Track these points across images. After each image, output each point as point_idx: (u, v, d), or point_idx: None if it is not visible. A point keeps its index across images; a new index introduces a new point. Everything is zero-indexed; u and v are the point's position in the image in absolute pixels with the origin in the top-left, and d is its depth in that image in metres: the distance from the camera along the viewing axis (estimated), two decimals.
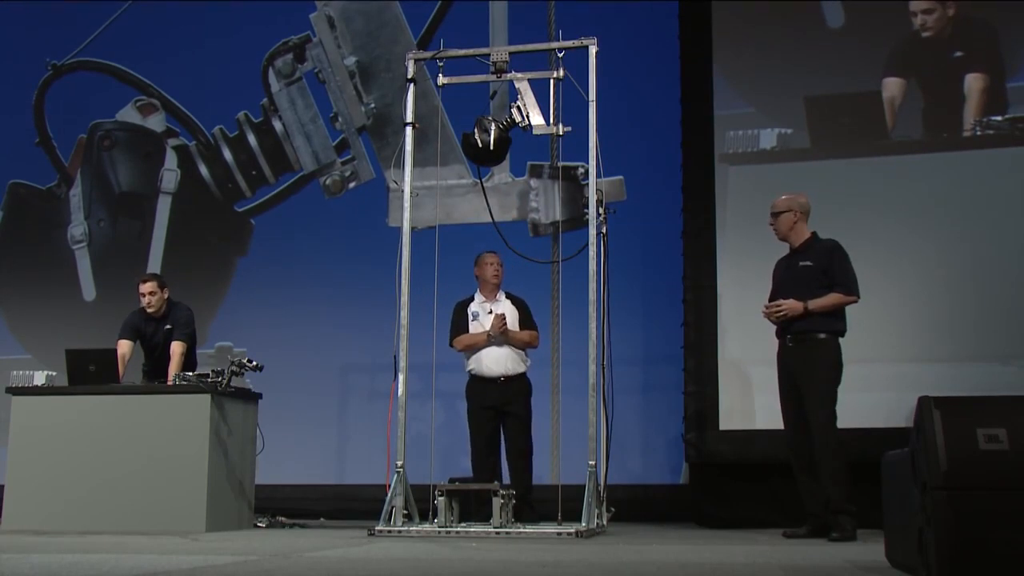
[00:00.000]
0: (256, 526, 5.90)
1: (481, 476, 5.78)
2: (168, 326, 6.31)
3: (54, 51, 8.82)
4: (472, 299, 6.11)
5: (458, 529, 4.97)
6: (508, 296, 6.12)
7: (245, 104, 8.43)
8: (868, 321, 6.20)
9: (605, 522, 5.26)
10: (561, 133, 5.47)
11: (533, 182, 7.65)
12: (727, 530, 5.65)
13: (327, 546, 4.39)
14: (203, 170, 8.49)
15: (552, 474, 7.05)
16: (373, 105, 8.17)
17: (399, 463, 5.27)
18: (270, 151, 8.38)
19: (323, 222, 8.13)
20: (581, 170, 7.32)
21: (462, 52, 5.69)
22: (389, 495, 5.18)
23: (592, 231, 5.41)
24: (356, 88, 8.20)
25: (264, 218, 8.34)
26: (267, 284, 8.06)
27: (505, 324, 5.88)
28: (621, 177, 7.32)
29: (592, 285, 5.29)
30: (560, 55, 5.51)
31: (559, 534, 4.80)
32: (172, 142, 8.58)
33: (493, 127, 5.43)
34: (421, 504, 5.26)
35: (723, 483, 6.35)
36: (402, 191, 5.65)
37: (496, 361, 5.93)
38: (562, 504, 5.17)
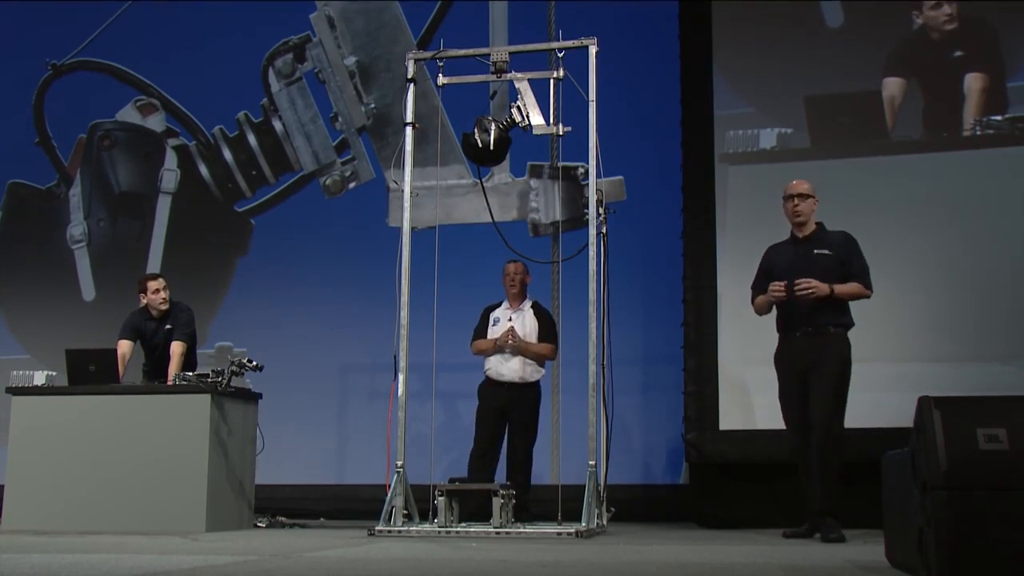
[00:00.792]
0: (256, 526, 5.90)
1: (475, 476, 5.81)
2: (168, 326, 6.31)
3: (54, 51, 8.82)
4: (499, 304, 6.20)
5: (458, 529, 4.97)
6: (534, 306, 6.17)
7: (245, 104, 8.43)
8: (868, 321, 6.19)
9: (605, 522, 5.26)
10: (561, 133, 5.47)
11: (533, 182, 7.65)
12: (727, 530, 5.66)
13: (327, 546, 4.39)
14: (203, 170, 8.49)
15: (552, 474, 7.06)
16: (373, 105, 8.17)
17: (399, 463, 5.27)
18: (270, 151, 8.38)
19: (323, 222, 8.12)
20: (581, 170, 7.33)
21: (462, 52, 5.69)
22: (389, 495, 5.18)
23: (592, 231, 5.41)
24: (356, 88, 8.20)
25: (264, 218, 8.34)
26: (267, 284, 8.06)
27: (512, 338, 5.95)
28: (621, 177, 7.32)
29: (592, 285, 5.29)
30: (560, 55, 5.51)
31: (559, 534, 4.79)
32: (172, 142, 8.58)
33: (493, 127, 5.43)
34: (421, 504, 5.27)
35: (723, 483, 6.35)
36: (402, 191, 5.65)
37: (508, 367, 6.01)
38: (562, 504, 5.17)
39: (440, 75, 5.66)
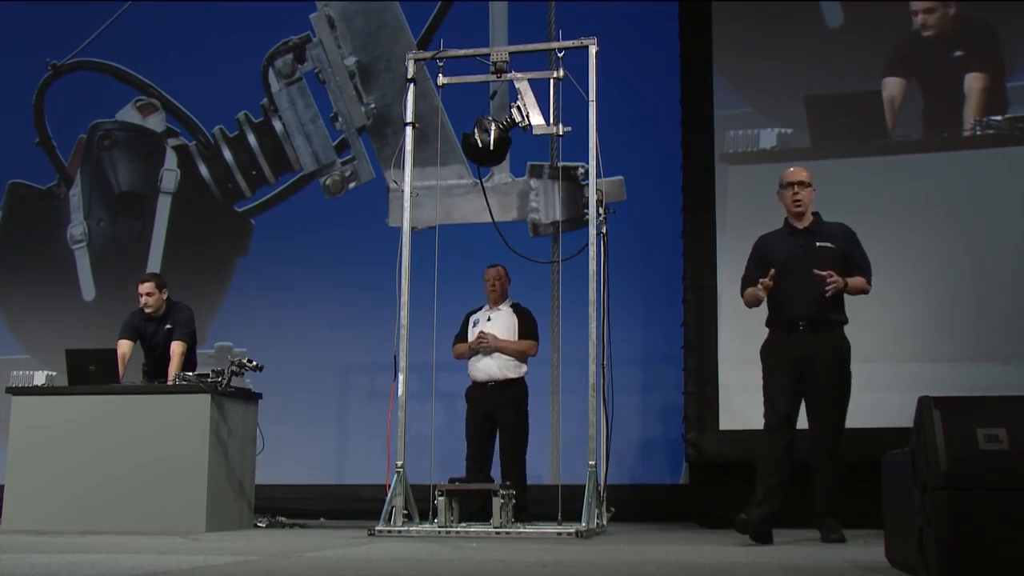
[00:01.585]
0: (256, 526, 5.90)
1: (472, 479, 5.82)
2: (168, 326, 6.31)
3: (54, 51, 8.82)
4: (480, 308, 6.27)
5: (458, 529, 4.97)
6: (513, 305, 6.22)
7: (245, 104, 8.43)
8: (868, 321, 6.19)
9: (605, 522, 5.26)
10: (561, 133, 5.47)
11: (533, 182, 7.65)
12: (727, 530, 5.65)
13: (327, 546, 4.39)
14: (203, 170, 8.49)
15: (552, 474, 7.05)
16: (373, 105, 8.17)
17: (399, 463, 5.27)
18: (270, 151, 8.38)
19: (323, 222, 8.13)
20: (581, 170, 7.32)
21: (462, 52, 5.70)
22: (389, 495, 5.18)
23: (592, 231, 5.41)
24: (356, 88, 8.20)
25: (264, 218, 8.34)
26: (267, 284, 8.06)
27: (483, 340, 6.01)
28: (621, 177, 7.32)
29: (592, 285, 5.29)
30: (560, 55, 5.51)
31: (559, 534, 4.80)
32: (172, 142, 8.58)
33: (493, 127, 5.43)
34: (421, 504, 5.27)
35: (723, 483, 6.34)
36: (402, 191, 5.65)
37: (487, 365, 6.07)
38: (562, 504, 5.17)
39: (440, 75, 5.66)
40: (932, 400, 2.77)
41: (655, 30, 7.37)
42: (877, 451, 3.54)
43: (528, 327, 6.17)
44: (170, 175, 8.53)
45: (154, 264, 8.27)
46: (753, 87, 6.86)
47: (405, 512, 5.18)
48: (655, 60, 7.34)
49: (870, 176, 6.51)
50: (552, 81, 5.48)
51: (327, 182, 8.22)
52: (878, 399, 5.92)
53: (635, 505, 6.59)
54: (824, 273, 4.66)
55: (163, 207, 8.49)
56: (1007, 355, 6.13)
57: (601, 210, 5.46)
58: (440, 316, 5.59)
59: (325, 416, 7.80)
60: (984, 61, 6.52)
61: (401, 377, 5.43)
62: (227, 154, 8.45)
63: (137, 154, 8.67)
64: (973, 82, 6.52)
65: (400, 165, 5.70)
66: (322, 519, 6.74)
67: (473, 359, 6.11)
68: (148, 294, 6.28)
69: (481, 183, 6.17)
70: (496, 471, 6.06)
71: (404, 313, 5.48)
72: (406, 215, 5.59)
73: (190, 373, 5.80)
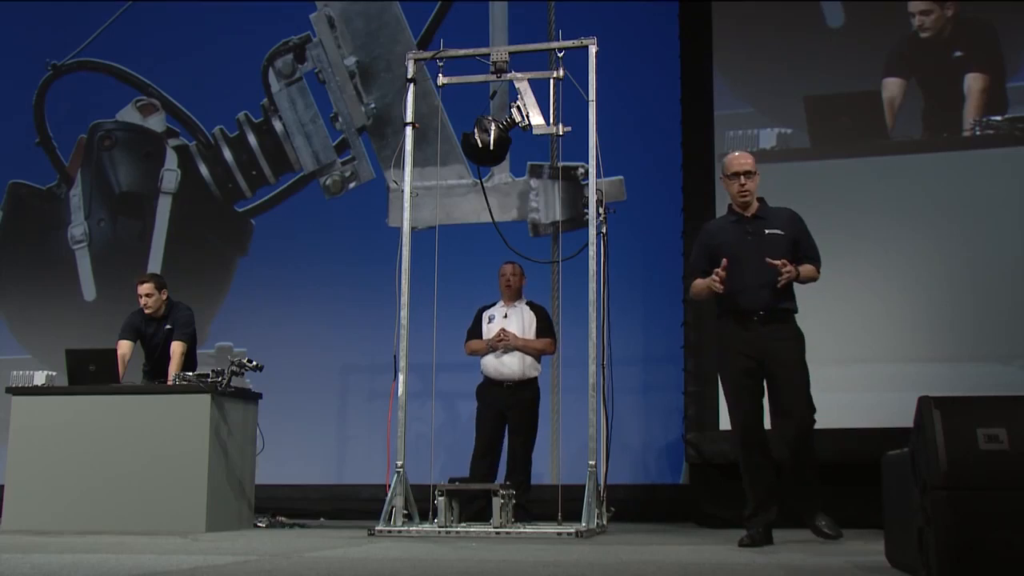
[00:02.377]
0: (256, 526, 5.90)
1: (477, 478, 5.84)
2: (168, 326, 6.31)
3: (54, 51, 8.82)
4: (494, 304, 6.24)
5: (458, 529, 4.97)
6: (529, 304, 6.20)
7: (245, 104, 8.43)
8: (868, 321, 6.20)
9: (605, 522, 5.26)
10: (561, 133, 5.47)
11: (533, 182, 7.65)
12: (727, 530, 5.65)
13: (327, 546, 4.39)
14: (203, 170, 8.49)
15: (552, 474, 7.05)
16: (373, 105, 8.17)
17: (399, 463, 5.27)
18: (270, 151, 8.38)
19: (323, 222, 8.13)
20: (581, 170, 7.33)
21: (462, 52, 5.70)
22: (389, 495, 5.18)
23: (592, 231, 5.41)
24: (356, 88, 8.20)
25: (264, 218, 8.35)
26: (267, 284, 8.06)
27: (504, 338, 5.97)
28: (621, 177, 7.32)
29: (592, 285, 5.29)
30: (560, 55, 5.51)
31: (559, 534, 4.79)
32: (172, 142, 8.58)
33: (493, 127, 5.43)
34: (421, 504, 5.27)
35: (723, 483, 6.33)
36: (402, 191, 5.65)
37: (504, 365, 6.03)
38: (562, 504, 5.17)
39: (440, 75, 5.66)
40: (932, 400, 2.77)
41: (655, 30, 7.37)
42: (877, 451, 3.54)
43: (546, 325, 6.15)
44: (170, 175, 8.53)
45: (154, 264, 8.27)
46: (753, 87, 6.86)
47: (405, 512, 5.17)
48: (655, 60, 7.34)
49: (870, 176, 6.51)
50: (552, 81, 5.48)
51: (327, 182, 8.22)
52: (878, 399, 5.93)
53: (635, 505, 6.59)
54: (778, 263, 4.46)
55: (163, 207, 8.49)
56: (1007, 355, 6.13)
57: (601, 210, 5.46)
58: (440, 316, 5.59)
59: (325, 416, 7.80)
60: (984, 61, 6.53)
61: (401, 377, 5.43)
62: (227, 154, 8.45)
63: (137, 154, 8.68)
64: (973, 82, 6.52)
65: (400, 165, 5.70)
66: (322, 519, 6.74)
67: (492, 356, 6.04)
68: (148, 295, 6.28)
69: (481, 183, 6.17)
70: (501, 470, 6.05)
71: (404, 313, 5.48)
72: (406, 215, 5.59)
73: (190, 373, 5.80)
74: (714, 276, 4.51)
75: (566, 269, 6.95)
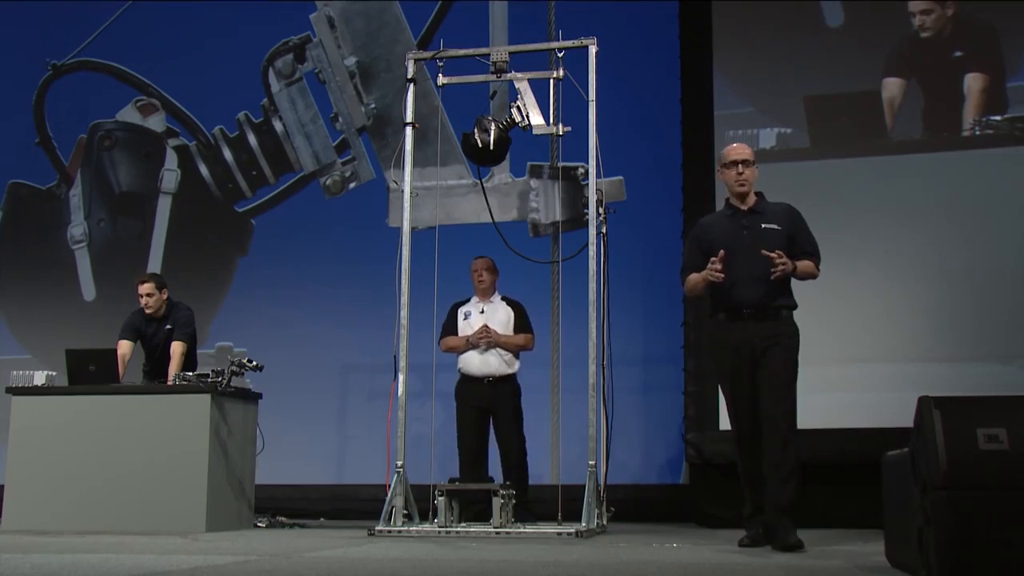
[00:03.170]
0: (256, 526, 5.90)
1: (469, 479, 5.75)
2: (168, 326, 6.31)
3: (54, 51, 8.82)
4: (468, 300, 6.16)
5: (458, 529, 4.97)
6: (505, 299, 6.15)
7: (245, 104, 8.43)
8: (868, 321, 6.20)
9: (605, 522, 5.26)
10: (561, 133, 5.47)
11: (533, 182, 7.65)
12: (727, 530, 5.65)
13: (327, 546, 4.39)
14: (203, 170, 8.49)
15: (552, 474, 7.05)
16: (373, 105, 8.17)
17: (399, 463, 5.27)
18: (270, 151, 8.38)
19: (323, 222, 8.12)
20: (581, 170, 7.33)
21: (462, 52, 5.70)
22: (389, 495, 5.18)
23: (592, 231, 5.41)
24: (356, 88, 8.20)
25: (264, 218, 8.35)
26: (267, 284, 8.06)
27: (487, 334, 5.92)
28: (621, 177, 7.32)
29: (592, 285, 5.29)
30: (560, 55, 5.51)
31: (559, 534, 4.80)
32: (172, 142, 8.58)
33: (493, 127, 5.43)
34: (421, 504, 5.27)
35: (723, 483, 6.33)
36: (402, 191, 5.66)
37: (483, 361, 5.96)
38: (562, 504, 5.17)
39: (440, 75, 5.66)
40: (932, 400, 2.77)
41: (655, 30, 7.37)
42: (877, 451, 3.54)
43: (523, 320, 6.09)
44: (170, 175, 8.53)
45: (154, 264, 8.27)
46: (753, 87, 6.86)
47: (405, 512, 5.17)
48: (655, 60, 7.34)
49: (870, 176, 6.51)
50: (552, 81, 5.48)
51: (327, 182, 8.22)
52: (878, 399, 5.93)
53: (635, 505, 6.59)
54: (773, 254, 4.34)
55: (163, 207, 8.49)
56: (1007, 355, 6.13)
57: (601, 210, 5.46)
58: (440, 316, 5.59)
59: (325, 416, 7.79)
60: (984, 61, 6.52)
61: (401, 377, 5.43)
62: (227, 154, 8.45)
63: (137, 154, 8.68)
64: (973, 82, 6.52)
65: (400, 165, 5.70)
66: (322, 519, 6.74)
67: (470, 353, 5.98)
68: (148, 294, 6.28)
69: (481, 183, 6.17)
70: (496, 471, 6.04)
71: (404, 313, 5.48)
72: (406, 215, 5.59)
73: (190, 373, 5.80)
74: (710, 266, 4.42)
75: (566, 269, 6.95)
